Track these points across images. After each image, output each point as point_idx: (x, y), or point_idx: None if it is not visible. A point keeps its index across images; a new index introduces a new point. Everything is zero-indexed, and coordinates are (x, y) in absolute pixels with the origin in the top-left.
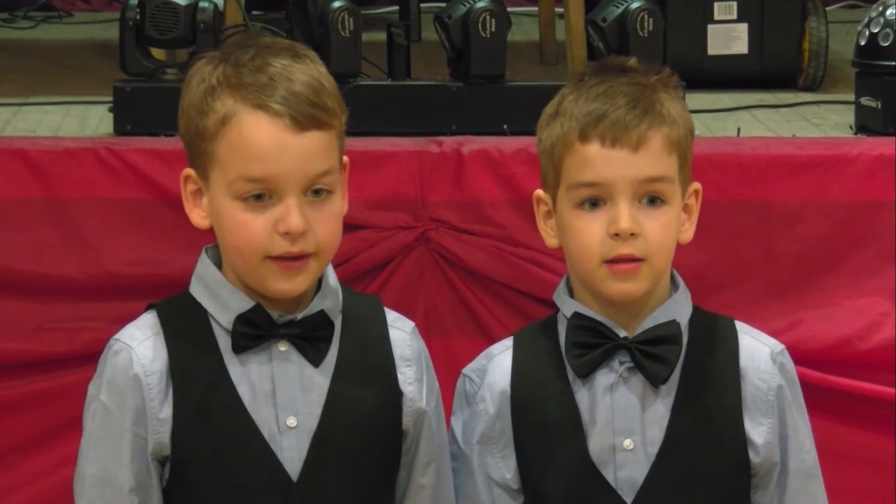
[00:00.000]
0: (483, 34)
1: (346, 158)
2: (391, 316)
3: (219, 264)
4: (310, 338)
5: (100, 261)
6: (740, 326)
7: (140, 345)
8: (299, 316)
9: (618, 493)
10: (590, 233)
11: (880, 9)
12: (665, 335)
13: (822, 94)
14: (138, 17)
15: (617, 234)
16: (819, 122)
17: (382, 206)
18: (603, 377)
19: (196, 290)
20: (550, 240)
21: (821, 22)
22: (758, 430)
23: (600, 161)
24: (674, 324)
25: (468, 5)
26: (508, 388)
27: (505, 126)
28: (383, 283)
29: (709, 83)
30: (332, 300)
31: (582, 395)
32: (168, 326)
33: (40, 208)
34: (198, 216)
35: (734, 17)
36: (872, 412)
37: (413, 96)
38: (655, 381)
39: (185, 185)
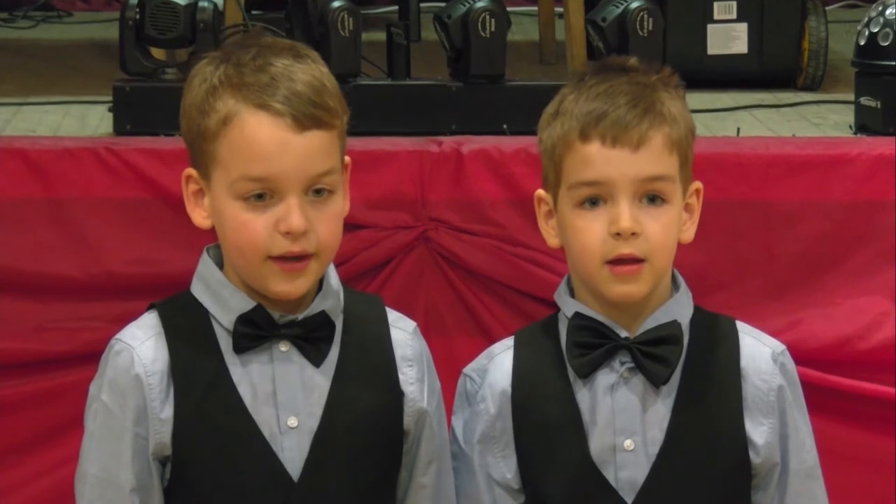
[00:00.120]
0: (483, 34)
1: (347, 158)
2: (393, 316)
3: (220, 264)
4: (311, 338)
5: (99, 260)
6: (741, 327)
7: (141, 345)
8: (300, 316)
9: (618, 494)
10: (591, 232)
11: (880, 8)
12: (666, 336)
13: (821, 94)
14: (138, 16)
15: (618, 234)
16: (819, 122)
17: (382, 206)
18: (604, 377)
19: (197, 289)
20: (552, 240)
21: (820, 21)
22: (758, 431)
23: (601, 160)
24: (675, 324)
25: (468, 5)
26: (509, 388)
27: (505, 126)
28: (383, 282)
29: (708, 83)
30: (333, 300)
31: (583, 396)
32: (169, 326)
33: (40, 208)
34: (199, 216)
35: (734, 16)
36: (872, 412)
37: (413, 96)
38: (656, 382)
39: (187, 184)
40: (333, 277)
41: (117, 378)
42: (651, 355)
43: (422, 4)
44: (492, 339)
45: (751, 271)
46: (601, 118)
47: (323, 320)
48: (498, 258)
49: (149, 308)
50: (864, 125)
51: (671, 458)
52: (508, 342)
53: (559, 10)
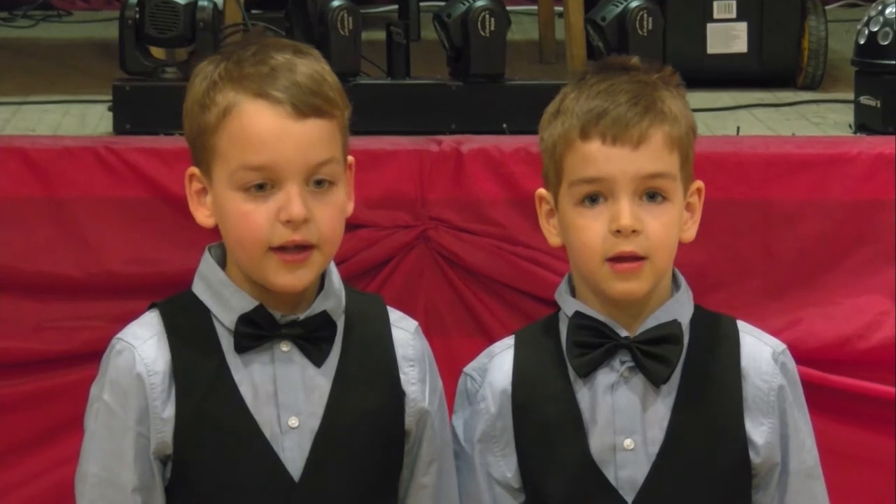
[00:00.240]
0: (482, 33)
1: (351, 158)
2: (394, 315)
3: (222, 264)
4: (312, 338)
5: (99, 260)
6: (742, 326)
7: (143, 344)
8: (301, 316)
9: (618, 493)
10: (592, 230)
11: (879, 7)
12: (666, 335)
13: (821, 93)
14: (138, 15)
15: (618, 231)
16: (819, 121)
17: (382, 205)
18: (604, 376)
19: (199, 289)
20: (553, 239)
21: (820, 21)
22: (758, 430)
23: (601, 158)
24: (675, 323)
25: (467, 4)
26: (509, 387)
27: (504, 125)
28: (383, 282)
29: (708, 82)
30: (334, 300)
31: (583, 395)
32: (171, 326)
33: (40, 207)
34: (202, 215)
35: (733, 15)
36: (872, 411)
37: (412, 95)
38: (656, 381)
39: (190, 183)
40: (336, 277)
41: (119, 377)
42: (651, 354)
43: (421, 4)
44: (491, 339)
45: (750, 271)
46: (602, 116)
47: (324, 320)
48: (498, 258)
49: (150, 307)
50: (864, 124)
51: (671, 457)
52: (509, 341)
53: (559, 9)
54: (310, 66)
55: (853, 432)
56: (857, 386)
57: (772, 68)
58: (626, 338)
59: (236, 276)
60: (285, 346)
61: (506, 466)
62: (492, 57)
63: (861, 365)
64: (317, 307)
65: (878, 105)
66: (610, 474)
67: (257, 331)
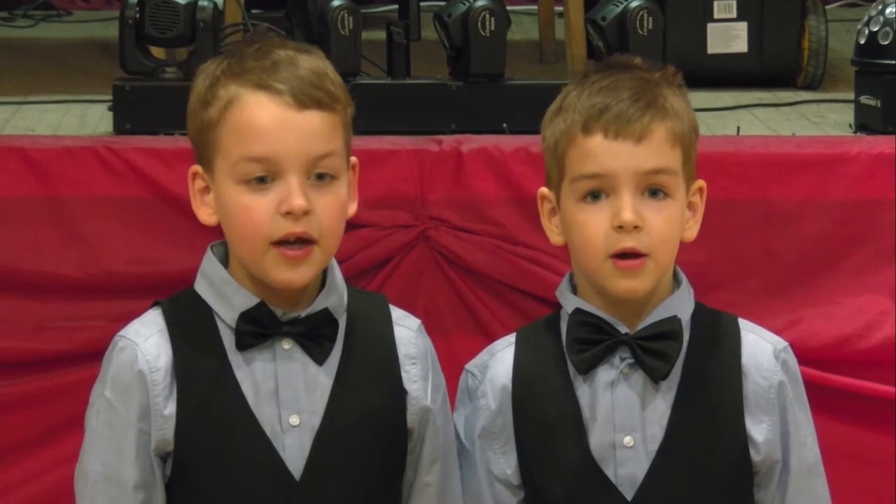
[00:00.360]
0: (482, 33)
1: (354, 159)
2: (397, 314)
3: (224, 262)
4: (314, 336)
5: (99, 259)
6: (744, 324)
7: (145, 341)
8: (303, 314)
9: (618, 490)
10: (593, 226)
11: (880, 7)
12: (665, 331)
13: (821, 93)
14: (138, 15)
15: (620, 227)
16: (819, 121)
17: (382, 205)
18: (604, 373)
19: (201, 287)
20: (555, 237)
21: (820, 20)
22: (758, 428)
23: (603, 153)
24: (674, 320)
25: (468, 4)
26: (510, 384)
27: (504, 125)
28: (383, 281)
29: (708, 82)
30: (336, 298)
31: (583, 392)
32: (172, 323)
33: (40, 207)
34: (205, 213)
35: (734, 15)
36: (872, 411)
37: (413, 95)
38: (655, 377)
39: (193, 181)
40: (338, 275)
41: (121, 374)
42: (650, 350)
43: (422, 3)
44: (491, 338)
45: (751, 270)
46: (604, 111)
47: (326, 318)
48: (498, 257)
49: (152, 305)
50: (864, 124)
51: (671, 454)
52: (510, 339)
53: (559, 9)
54: (312, 62)
55: (853, 432)
56: (857, 386)
57: (772, 68)
58: (626, 334)
59: (238, 274)
60: (287, 344)
61: (506, 463)
62: (492, 57)
63: (861, 365)
64: (318, 304)
65: (879, 105)
66: (609, 472)
67: (259, 328)
